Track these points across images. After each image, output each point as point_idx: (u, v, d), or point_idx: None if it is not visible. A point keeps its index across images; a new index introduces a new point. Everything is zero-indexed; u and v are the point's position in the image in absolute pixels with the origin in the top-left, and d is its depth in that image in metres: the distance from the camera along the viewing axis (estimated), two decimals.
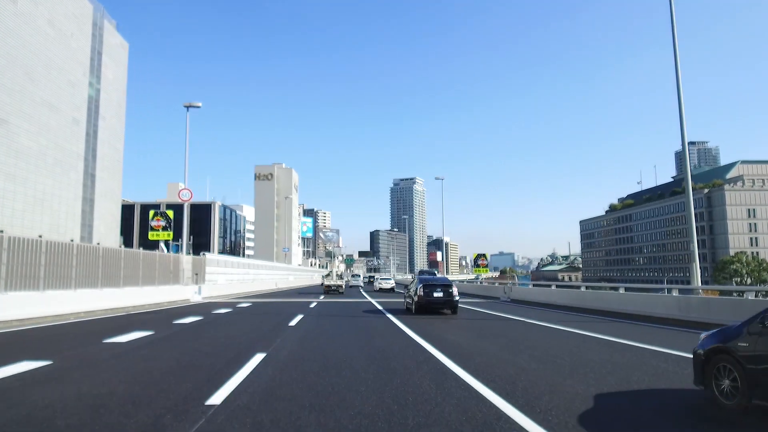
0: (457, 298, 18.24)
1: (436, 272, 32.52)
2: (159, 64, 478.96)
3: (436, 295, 17.85)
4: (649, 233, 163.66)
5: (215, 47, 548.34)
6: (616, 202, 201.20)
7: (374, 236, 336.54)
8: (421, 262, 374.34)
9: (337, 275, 45.21)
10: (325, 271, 60.94)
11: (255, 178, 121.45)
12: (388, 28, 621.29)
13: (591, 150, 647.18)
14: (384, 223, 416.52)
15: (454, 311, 18.31)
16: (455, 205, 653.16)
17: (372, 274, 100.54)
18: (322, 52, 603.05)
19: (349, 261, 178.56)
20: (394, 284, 46.99)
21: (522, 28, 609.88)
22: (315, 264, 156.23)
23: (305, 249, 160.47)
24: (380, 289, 45.04)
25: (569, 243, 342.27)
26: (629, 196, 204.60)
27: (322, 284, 44.31)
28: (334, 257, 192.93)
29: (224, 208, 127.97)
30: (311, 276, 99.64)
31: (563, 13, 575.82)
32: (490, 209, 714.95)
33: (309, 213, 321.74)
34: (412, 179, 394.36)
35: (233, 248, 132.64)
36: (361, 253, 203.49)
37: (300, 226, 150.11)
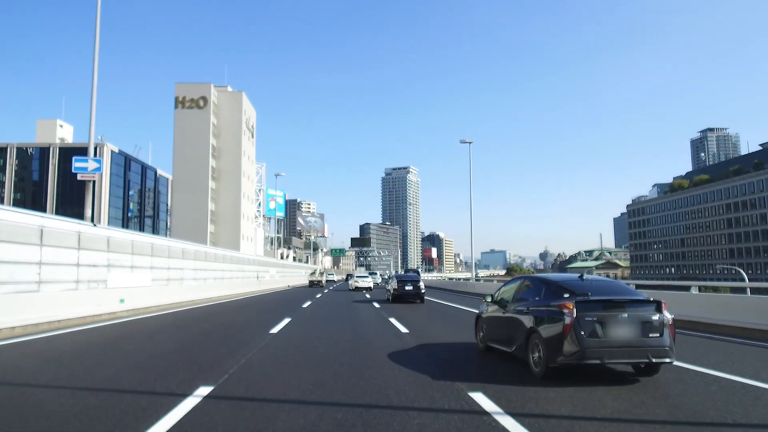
0: (423, 291, 22.97)
1: (420, 271, 44.34)
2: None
3: (407, 288, 22.31)
4: (747, 215, 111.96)
5: (205, 39, 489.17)
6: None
7: (364, 230, 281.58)
8: (415, 259, 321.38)
9: (319, 272, 54.26)
10: (309, 269, 66.77)
11: (176, 106, 66.88)
12: (380, 17, 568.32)
13: (589, 148, 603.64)
14: (375, 216, 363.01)
15: (422, 300, 22.54)
16: (449, 201, 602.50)
17: (374, 272, 73.35)
18: (311, 42, 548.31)
19: (336, 253, 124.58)
20: (372, 283, 39.08)
21: (517, 12, 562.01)
22: (288, 256, 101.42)
23: (274, 235, 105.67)
24: (356, 288, 36.72)
25: (601, 235, 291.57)
26: (691, 173, 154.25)
27: (309, 282, 49.69)
28: (318, 250, 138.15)
29: (126, 158, 72.15)
30: (264, 274, 45.00)
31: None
32: (483, 207, 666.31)
33: (291, 204, 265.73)
34: (405, 168, 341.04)
35: (143, 220, 76.86)
36: (354, 241, 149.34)
37: (263, 197, 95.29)
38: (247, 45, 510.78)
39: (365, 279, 38.47)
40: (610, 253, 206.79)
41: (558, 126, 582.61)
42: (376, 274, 61.83)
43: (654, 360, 5.84)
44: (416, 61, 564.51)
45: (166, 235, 72.71)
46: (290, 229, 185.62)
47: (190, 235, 54.40)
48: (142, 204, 75.97)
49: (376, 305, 19.92)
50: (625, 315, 5.84)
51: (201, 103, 67.08)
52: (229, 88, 72.45)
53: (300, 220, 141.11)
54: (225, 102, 70.26)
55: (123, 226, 65.08)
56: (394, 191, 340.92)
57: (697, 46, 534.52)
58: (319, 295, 28.96)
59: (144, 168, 77.00)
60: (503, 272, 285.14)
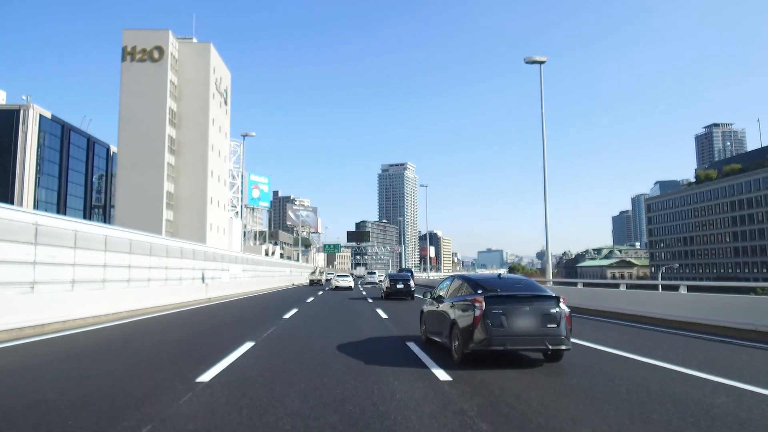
0: (413, 288, 23.77)
1: (412, 270, 55.58)
2: None
3: (398, 286, 23.35)
4: None
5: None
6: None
7: (361, 228, 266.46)
8: (412, 258, 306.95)
9: (319, 272, 57.45)
10: (298, 267, 67.18)
11: (123, 58, 51.40)
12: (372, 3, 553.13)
13: (585, 148, 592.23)
14: (371, 214, 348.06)
15: (411, 297, 23.26)
16: (445, 198, 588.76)
17: (373, 271, 67.82)
18: (304, 29, 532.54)
19: (330, 249, 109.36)
20: (352, 283, 39.47)
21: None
22: (273, 253, 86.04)
23: (258, 228, 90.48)
24: (336, 287, 37.29)
25: (613, 232, 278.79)
26: (718, 163, 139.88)
27: (310, 281, 51.98)
28: (310, 247, 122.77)
29: (65, 128, 56.51)
30: (218, 274, 29.86)
31: None
32: (478, 206, 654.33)
33: (285, 200, 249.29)
34: (402, 165, 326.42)
35: (91, 210, 61.32)
36: (351, 236, 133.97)
37: (245, 184, 79.89)
38: (237, 34, 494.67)
39: (346, 279, 38.94)
40: (620, 251, 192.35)
41: (555, 125, 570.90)
42: (374, 273, 57.26)
43: (550, 347, 6.56)
44: (411, 52, 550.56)
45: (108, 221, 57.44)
46: (282, 225, 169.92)
47: (140, 223, 39.22)
48: (86, 187, 60.29)
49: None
50: (527, 308, 6.60)
51: (155, 54, 51.50)
52: (194, 40, 56.83)
53: (290, 213, 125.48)
54: (188, 56, 54.70)
55: (58, 213, 49.51)
56: (391, 188, 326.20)
57: (696, 42, 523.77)
58: (292, 313, 15.80)
59: (91, 142, 61.23)
60: (504, 271, 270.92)
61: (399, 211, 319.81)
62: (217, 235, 56.45)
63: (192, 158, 53.31)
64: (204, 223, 53.03)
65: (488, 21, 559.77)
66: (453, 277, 8.39)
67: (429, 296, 8.96)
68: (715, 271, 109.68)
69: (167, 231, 50.80)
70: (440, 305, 8.00)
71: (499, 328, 6.38)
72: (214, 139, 56.16)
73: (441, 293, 8.34)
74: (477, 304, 6.54)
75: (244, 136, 35.40)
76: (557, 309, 6.60)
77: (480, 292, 6.83)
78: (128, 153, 50.47)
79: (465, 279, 7.72)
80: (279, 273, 52.61)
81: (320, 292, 32.13)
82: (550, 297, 6.73)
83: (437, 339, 8.09)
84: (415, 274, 51.10)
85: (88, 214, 60.18)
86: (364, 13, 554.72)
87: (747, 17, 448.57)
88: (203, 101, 54.48)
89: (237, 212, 70.02)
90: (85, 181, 60.20)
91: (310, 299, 24.76)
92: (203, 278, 26.07)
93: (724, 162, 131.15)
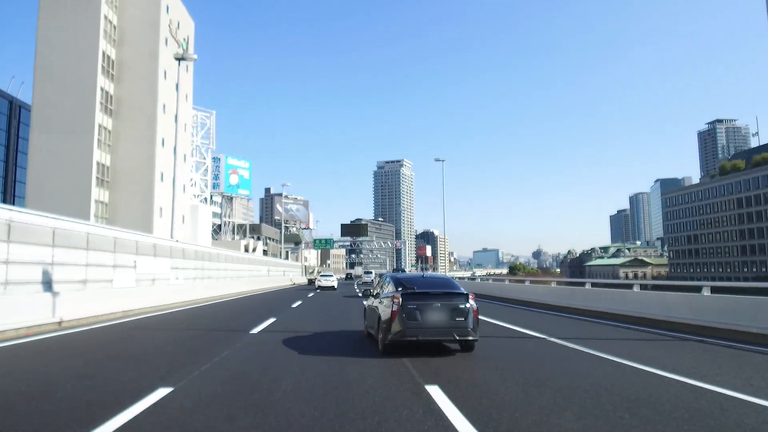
0: None
1: (405, 270, 46.63)
2: None
3: None
4: None
5: None
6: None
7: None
8: (409, 257, 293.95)
9: (317, 272, 60.91)
10: (280, 267, 60.91)
11: None
12: None
13: (581, 147, 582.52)
14: (367, 212, 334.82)
15: None
16: (440, 197, 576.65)
17: (369, 270, 64.52)
18: (294, 21, 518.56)
19: (322, 245, 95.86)
20: (335, 282, 38.88)
21: None
22: (254, 249, 72.74)
23: (236, 222, 77.25)
24: (320, 287, 36.62)
25: (624, 231, 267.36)
26: (744, 153, 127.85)
27: (308, 280, 54.26)
28: (300, 243, 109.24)
29: None
30: (95, 273, 16.40)
31: None
32: (476, 203, 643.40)
33: (277, 196, 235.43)
34: (398, 161, 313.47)
35: (14, 189, 47.84)
36: (346, 230, 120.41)
37: (221, 169, 66.64)
38: (231, 25, 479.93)
39: (329, 278, 37.63)
40: (629, 249, 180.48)
41: (553, 121, 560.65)
42: (371, 273, 55.64)
43: (458, 337, 7.15)
44: (409, 50, 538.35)
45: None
46: (272, 221, 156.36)
47: (59, 204, 26.08)
48: (8, 162, 46.63)
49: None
50: (438, 304, 7.16)
51: None
52: None
53: (279, 207, 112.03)
54: None
55: None
56: (387, 186, 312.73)
57: (695, 36, 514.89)
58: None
59: (15, 107, 47.56)
60: (504, 270, 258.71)
61: (395, 209, 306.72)
62: (172, 224, 43.02)
63: (135, 120, 39.85)
64: (150, 205, 39.65)
65: (486, 13, 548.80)
66: (386, 276, 8.87)
67: (370, 293, 9.49)
68: (755, 270, 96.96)
69: (99, 216, 37.43)
70: (374, 301, 8.57)
71: (413, 321, 6.98)
72: (167, 97, 42.69)
73: (378, 290, 8.82)
74: (395, 300, 7.17)
75: (179, 59, 22.70)
76: (466, 305, 7.19)
77: (400, 289, 7.45)
78: (46, 111, 36.98)
79: (392, 278, 8.28)
80: (249, 273, 39.50)
81: (297, 303, 20.08)
82: (461, 294, 7.32)
83: (371, 332, 8.69)
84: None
85: (10, 197, 46.58)
86: (362, 4, 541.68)
87: (744, 13, 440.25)
88: (152, 47, 41.03)
89: (206, 198, 56.70)
90: (6, 154, 46.58)
91: (268, 322, 12.01)
92: (50, 283, 13.11)
93: (753, 151, 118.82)
